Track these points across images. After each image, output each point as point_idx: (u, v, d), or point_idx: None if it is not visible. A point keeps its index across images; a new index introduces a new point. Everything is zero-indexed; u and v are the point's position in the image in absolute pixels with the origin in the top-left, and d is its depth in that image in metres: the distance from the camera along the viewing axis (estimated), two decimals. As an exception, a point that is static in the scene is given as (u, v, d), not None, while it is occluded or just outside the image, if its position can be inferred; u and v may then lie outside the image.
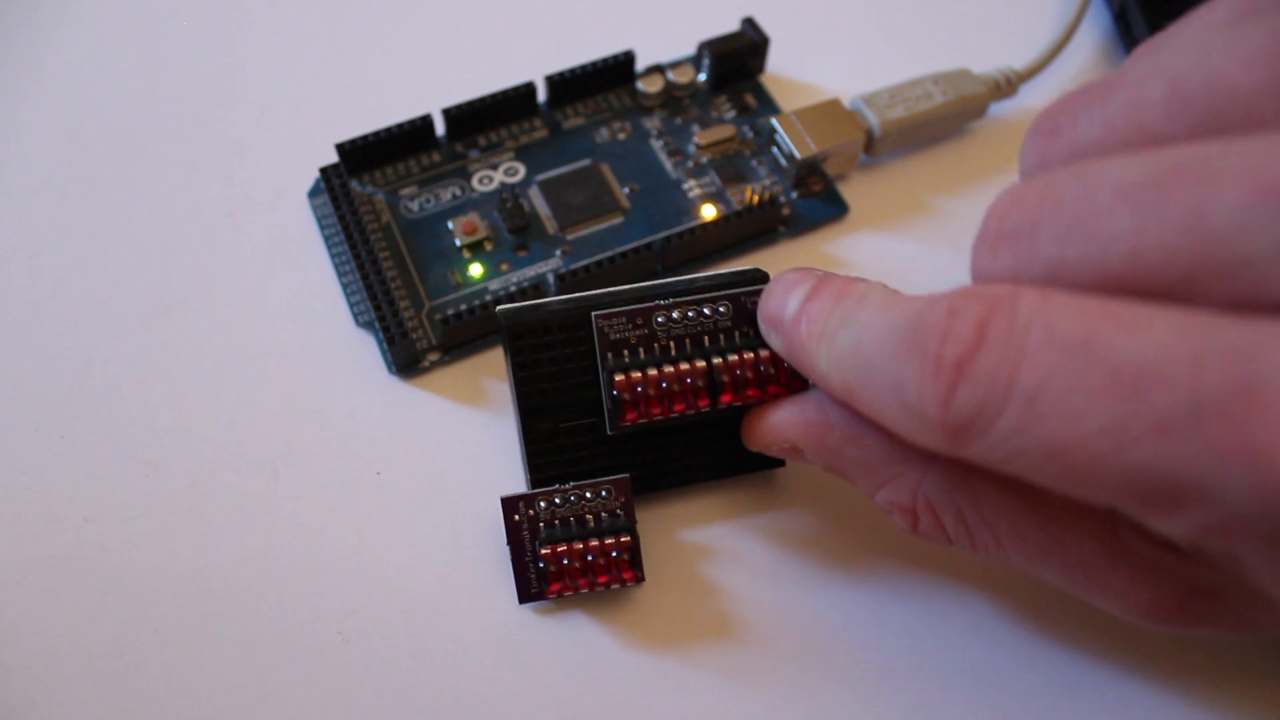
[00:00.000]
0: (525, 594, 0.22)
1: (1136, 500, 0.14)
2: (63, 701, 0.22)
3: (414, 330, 0.26)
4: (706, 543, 0.24)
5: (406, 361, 0.26)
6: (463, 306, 0.26)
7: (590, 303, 0.22)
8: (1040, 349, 0.14)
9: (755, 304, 0.21)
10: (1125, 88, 0.16)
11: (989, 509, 0.19)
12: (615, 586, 0.22)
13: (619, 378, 0.21)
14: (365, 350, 0.26)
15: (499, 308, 0.22)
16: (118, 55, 0.32)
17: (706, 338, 0.22)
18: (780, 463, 0.24)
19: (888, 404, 0.17)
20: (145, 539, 0.24)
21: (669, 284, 0.22)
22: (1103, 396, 0.14)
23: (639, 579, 0.22)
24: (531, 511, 0.22)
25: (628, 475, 0.22)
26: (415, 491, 0.24)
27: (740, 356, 0.21)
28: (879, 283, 0.19)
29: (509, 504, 0.22)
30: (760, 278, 0.22)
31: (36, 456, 0.25)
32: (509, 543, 0.22)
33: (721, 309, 0.22)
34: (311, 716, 0.22)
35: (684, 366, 0.21)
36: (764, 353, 0.21)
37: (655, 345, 0.22)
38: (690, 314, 0.21)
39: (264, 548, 0.23)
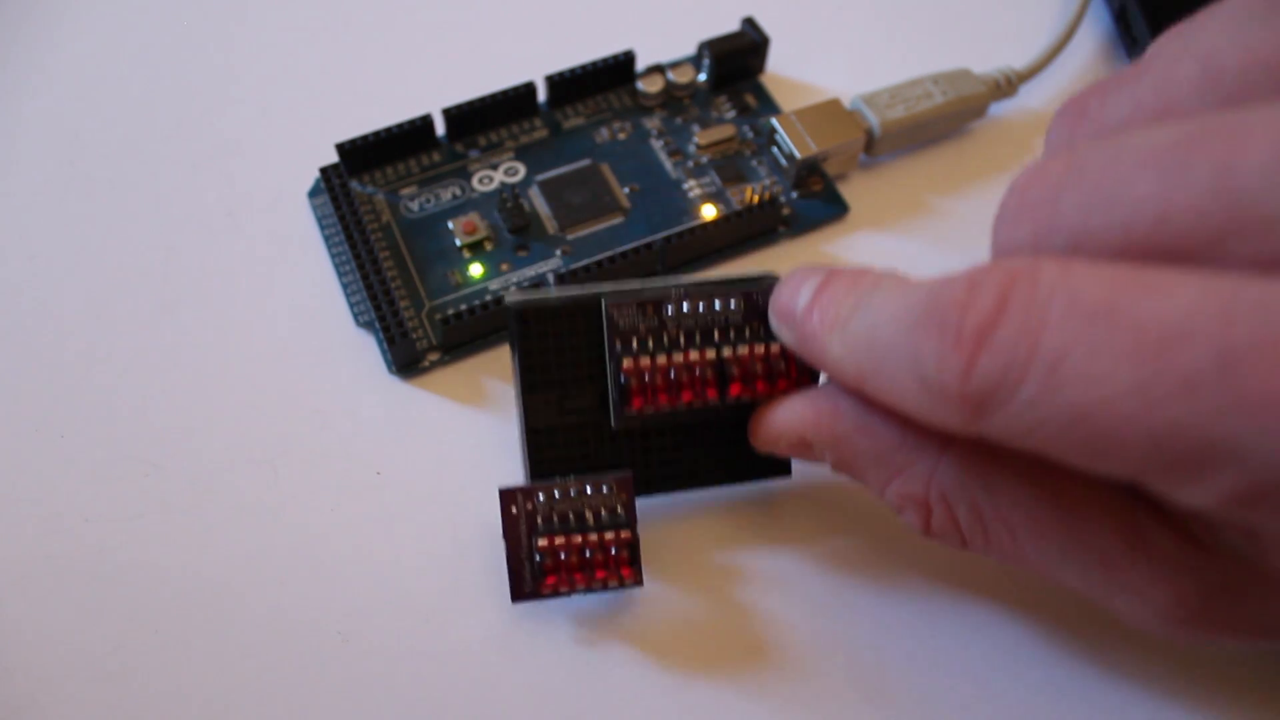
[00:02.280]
0: (519, 591, 0.22)
1: (1163, 466, 0.14)
2: (63, 701, 0.22)
3: (414, 330, 0.26)
4: (712, 554, 0.24)
5: (406, 361, 0.26)
6: (463, 306, 0.26)
7: (600, 292, 0.22)
8: (1063, 315, 0.14)
9: (766, 300, 0.21)
10: (1156, 69, 0.16)
11: (1005, 500, 0.18)
12: (613, 584, 0.22)
13: (627, 363, 0.21)
14: (365, 350, 0.26)
15: (508, 296, 0.22)
16: (118, 55, 0.32)
17: (716, 331, 0.21)
18: (786, 470, 0.23)
19: (904, 384, 0.16)
20: (145, 539, 0.24)
21: (680, 280, 0.22)
22: (1128, 358, 0.13)
23: (637, 580, 0.22)
24: (530, 505, 0.22)
25: (630, 473, 0.22)
26: (415, 491, 0.24)
27: (750, 350, 0.21)
28: (892, 269, 0.19)
29: (506, 496, 0.22)
30: (773, 279, 0.22)
31: (36, 456, 0.25)
32: (505, 536, 0.22)
33: (733, 304, 0.21)
34: (311, 716, 0.22)
35: (693, 356, 0.21)
36: (774, 347, 0.21)
37: (665, 336, 0.21)
38: (701, 307, 0.21)
39: (264, 547, 0.23)
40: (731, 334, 0.21)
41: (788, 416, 0.21)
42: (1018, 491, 0.18)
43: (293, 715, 0.22)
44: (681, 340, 0.21)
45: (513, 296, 0.22)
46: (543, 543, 0.22)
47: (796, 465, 0.24)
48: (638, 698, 0.22)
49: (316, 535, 0.24)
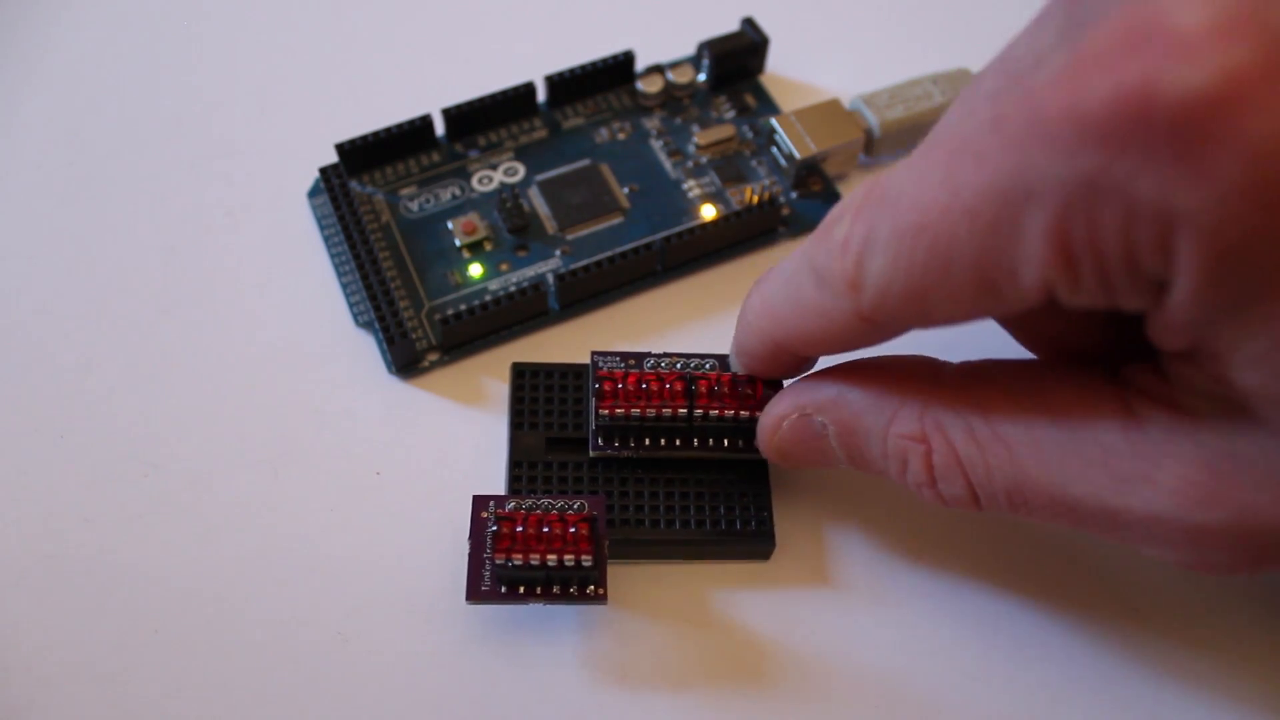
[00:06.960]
0: (475, 592, 0.21)
1: (989, 237, 0.16)
2: (63, 701, 0.22)
3: (414, 330, 0.26)
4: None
5: (406, 361, 0.26)
6: (462, 306, 0.26)
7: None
8: (895, 175, 0.18)
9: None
10: None
11: (998, 416, 0.19)
12: (575, 595, 0.21)
13: (602, 370, 0.22)
14: (365, 350, 0.26)
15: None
16: (117, 55, 0.32)
17: (689, 374, 0.23)
18: (766, 553, 0.23)
19: (805, 296, 0.19)
20: (145, 539, 0.24)
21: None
22: (937, 164, 0.17)
23: (600, 589, 0.21)
24: (501, 512, 0.21)
25: (602, 495, 0.23)
26: (415, 491, 0.24)
27: (718, 374, 0.23)
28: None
29: (479, 501, 0.22)
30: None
31: (36, 456, 0.25)
32: (470, 537, 0.22)
33: (708, 365, 0.23)
34: (312, 716, 0.22)
35: (665, 372, 0.23)
36: (741, 376, 0.23)
37: (642, 378, 0.22)
38: (679, 365, 0.23)
39: (264, 547, 0.23)
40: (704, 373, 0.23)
41: (786, 397, 0.22)
42: (1007, 406, 0.19)
43: (293, 715, 0.22)
44: (657, 376, 0.23)
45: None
46: (502, 511, 0.21)
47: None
48: (634, 704, 0.22)
49: (316, 535, 0.24)
